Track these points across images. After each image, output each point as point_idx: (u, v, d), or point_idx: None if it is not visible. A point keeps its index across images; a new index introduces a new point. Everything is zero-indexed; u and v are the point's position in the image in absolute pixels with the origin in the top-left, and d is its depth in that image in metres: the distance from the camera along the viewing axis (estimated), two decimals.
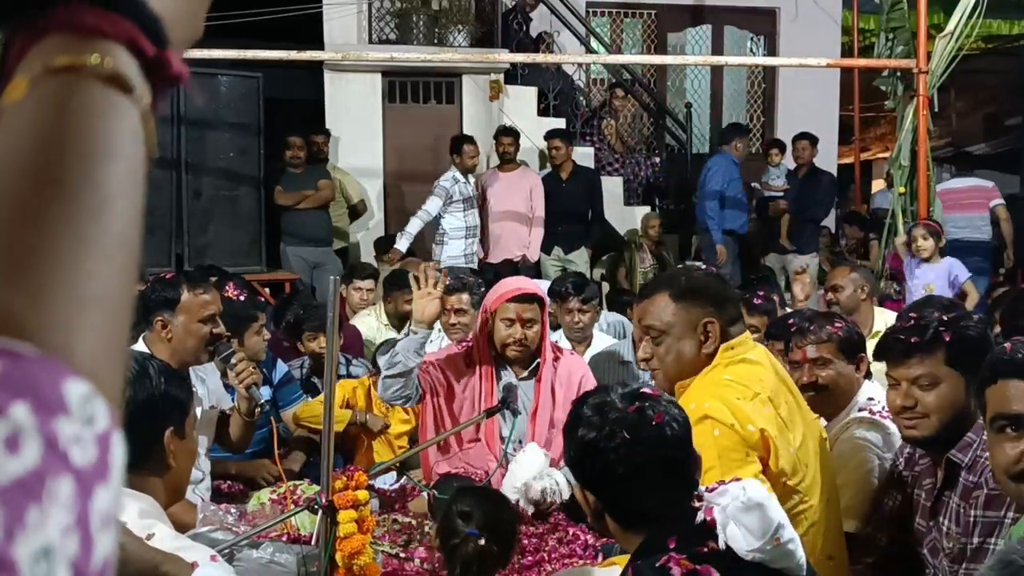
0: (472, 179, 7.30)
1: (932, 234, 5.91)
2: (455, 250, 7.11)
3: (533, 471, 3.14)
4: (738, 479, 1.77)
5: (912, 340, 2.36)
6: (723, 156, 7.69)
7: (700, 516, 1.68)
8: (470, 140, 7.32)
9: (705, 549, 1.63)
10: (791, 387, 2.46)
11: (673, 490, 1.73)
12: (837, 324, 3.03)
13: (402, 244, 6.98)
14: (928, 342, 2.34)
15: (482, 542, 2.26)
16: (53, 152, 0.45)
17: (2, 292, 0.40)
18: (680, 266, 5.03)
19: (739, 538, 1.62)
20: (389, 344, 3.57)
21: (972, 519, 2.18)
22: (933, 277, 5.83)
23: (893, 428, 2.64)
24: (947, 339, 2.31)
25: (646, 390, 1.85)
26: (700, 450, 1.82)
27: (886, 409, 2.70)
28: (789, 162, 8.41)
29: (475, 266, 6.89)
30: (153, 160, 0.50)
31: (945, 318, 2.37)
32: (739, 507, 1.63)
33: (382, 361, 3.39)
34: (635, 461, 1.71)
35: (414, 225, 7.04)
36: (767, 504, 1.64)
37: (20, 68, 0.48)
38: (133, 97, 0.49)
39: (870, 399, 2.92)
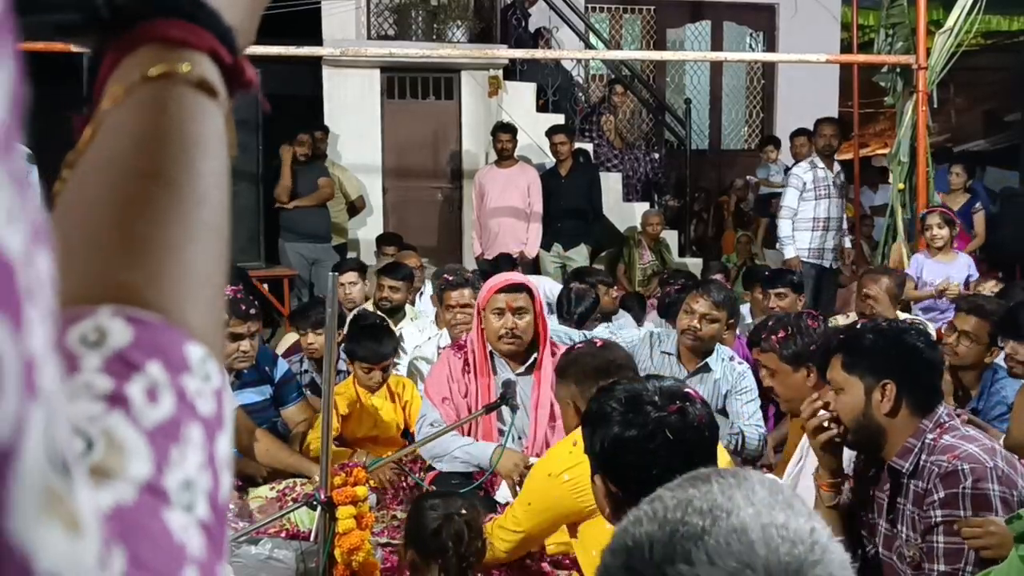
0: (836, 166, 6.70)
1: (947, 222, 5.51)
2: (802, 242, 6.53)
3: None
4: None
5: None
6: None
7: None
8: (829, 121, 6.81)
9: None
10: None
11: None
12: (780, 335, 3.11)
13: (788, 251, 6.49)
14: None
15: (463, 512, 2.31)
16: (156, 151, 0.51)
17: (126, 272, 0.46)
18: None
19: None
20: (436, 427, 3.31)
21: (933, 521, 2.18)
22: (954, 273, 5.38)
23: None
24: (835, 346, 2.38)
25: (687, 389, 1.82)
26: None
27: None
28: (785, 158, 8.40)
29: (825, 263, 6.47)
30: (233, 157, 0.56)
31: (847, 327, 2.48)
32: None
33: (447, 457, 3.41)
34: (671, 462, 1.67)
35: (785, 228, 6.52)
36: None
37: (114, 78, 0.54)
38: (218, 101, 0.55)
39: None
